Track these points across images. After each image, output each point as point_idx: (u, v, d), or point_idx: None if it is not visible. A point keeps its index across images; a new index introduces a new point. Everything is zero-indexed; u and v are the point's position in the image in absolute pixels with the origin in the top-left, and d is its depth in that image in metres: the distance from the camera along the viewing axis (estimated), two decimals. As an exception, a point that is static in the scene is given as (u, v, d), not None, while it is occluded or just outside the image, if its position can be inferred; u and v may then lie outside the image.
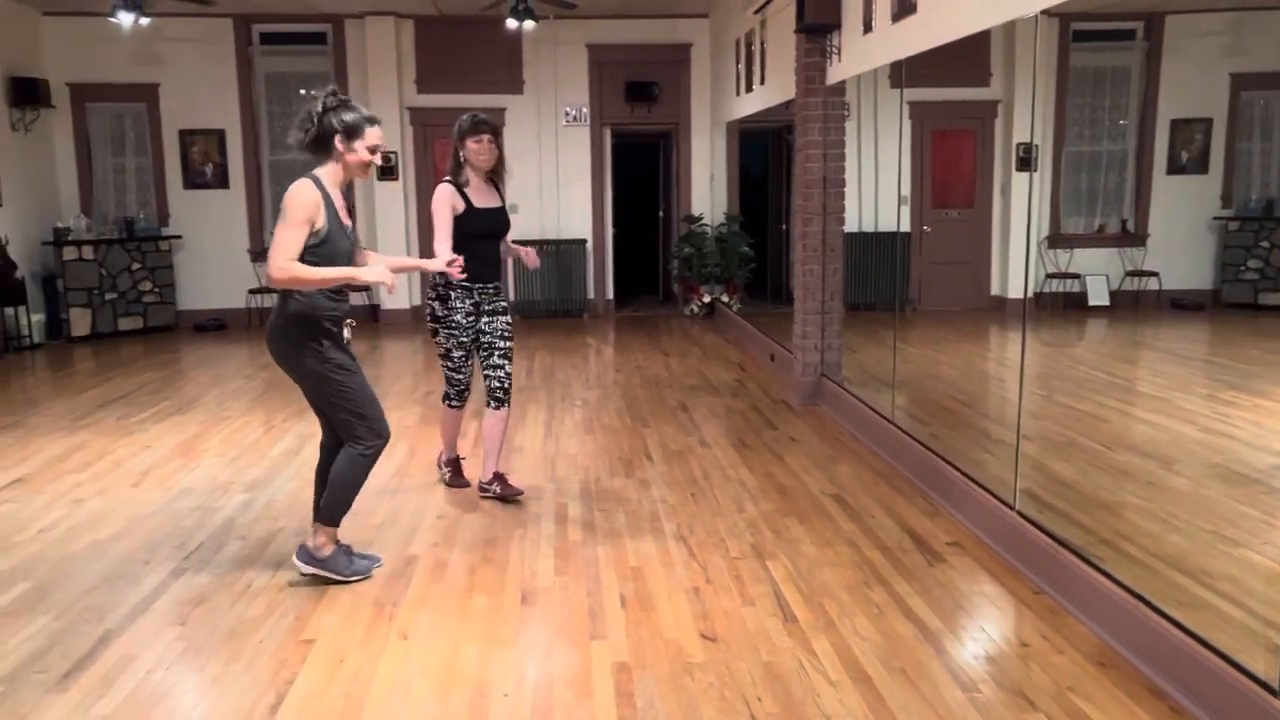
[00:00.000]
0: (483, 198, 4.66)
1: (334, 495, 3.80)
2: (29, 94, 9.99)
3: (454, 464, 5.08)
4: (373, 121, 3.70)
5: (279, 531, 4.41)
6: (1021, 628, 3.39)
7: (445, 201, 4.54)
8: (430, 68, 11.11)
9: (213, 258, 11.11)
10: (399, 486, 5.06)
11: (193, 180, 11.04)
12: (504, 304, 4.77)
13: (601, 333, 10.45)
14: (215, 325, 10.97)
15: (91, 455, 5.70)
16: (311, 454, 5.53)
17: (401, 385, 7.59)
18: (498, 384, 4.72)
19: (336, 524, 3.82)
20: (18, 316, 9.52)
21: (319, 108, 3.66)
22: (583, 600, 3.64)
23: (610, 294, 11.88)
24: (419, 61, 11.11)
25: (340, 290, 3.71)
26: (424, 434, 6.05)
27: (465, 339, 4.67)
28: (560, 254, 11.44)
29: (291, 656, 3.23)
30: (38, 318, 9.99)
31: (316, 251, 3.54)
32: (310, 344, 3.62)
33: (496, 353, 4.71)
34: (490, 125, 4.62)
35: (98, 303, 10.23)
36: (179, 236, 10.99)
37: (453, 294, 4.61)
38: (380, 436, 3.80)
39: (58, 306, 10.18)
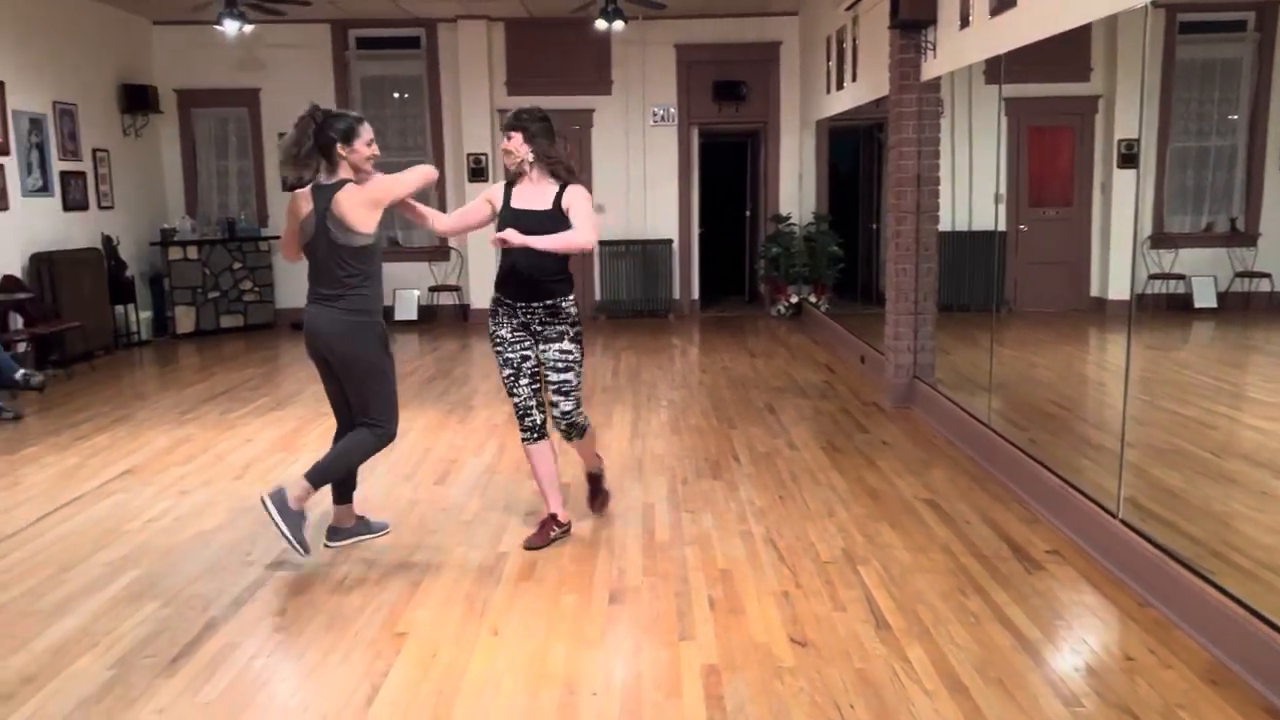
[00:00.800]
0: (527, 198, 4.10)
1: (335, 464, 4.03)
2: (139, 100, 10.41)
3: (593, 481, 4.61)
4: (361, 120, 3.96)
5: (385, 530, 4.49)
6: (1126, 641, 3.27)
7: (486, 193, 4.23)
8: (520, 69, 11.24)
9: (309, 258, 11.39)
10: (488, 483, 5.12)
11: (291, 182, 11.34)
12: (561, 329, 4.12)
13: (687, 333, 10.44)
14: (311, 323, 11.24)
15: (196, 448, 5.90)
16: (405, 452, 5.65)
17: (490, 384, 7.69)
18: (556, 418, 4.23)
19: (317, 488, 3.97)
20: (127, 314, 9.92)
21: (312, 125, 3.88)
22: (671, 601, 3.64)
23: (696, 294, 11.86)
24: (509, 63, 11.24)
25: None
26: (511, 432, 6.09)
27: (512, 355, 4.16)
28: (646, 254, 11.46)
29: (386, 649, 3.29)
30: (146, 315, 10.41)
31: (372, 249, 3.91)
32: (380, 335, 3.98)
33: (550, 386, 4.20)
34: (519, 122, 4.04)
35: (201, 301, 10.61)
36: (278, 237, 11.28)
37: (499, 309, 4.19)
38: (395, 427, 4.08)
39: (164, 304, 10.59)
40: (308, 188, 3.97)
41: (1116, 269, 6.80)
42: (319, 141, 3.86)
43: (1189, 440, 5.31)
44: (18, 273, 8.38)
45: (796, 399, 7.01)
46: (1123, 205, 6.95)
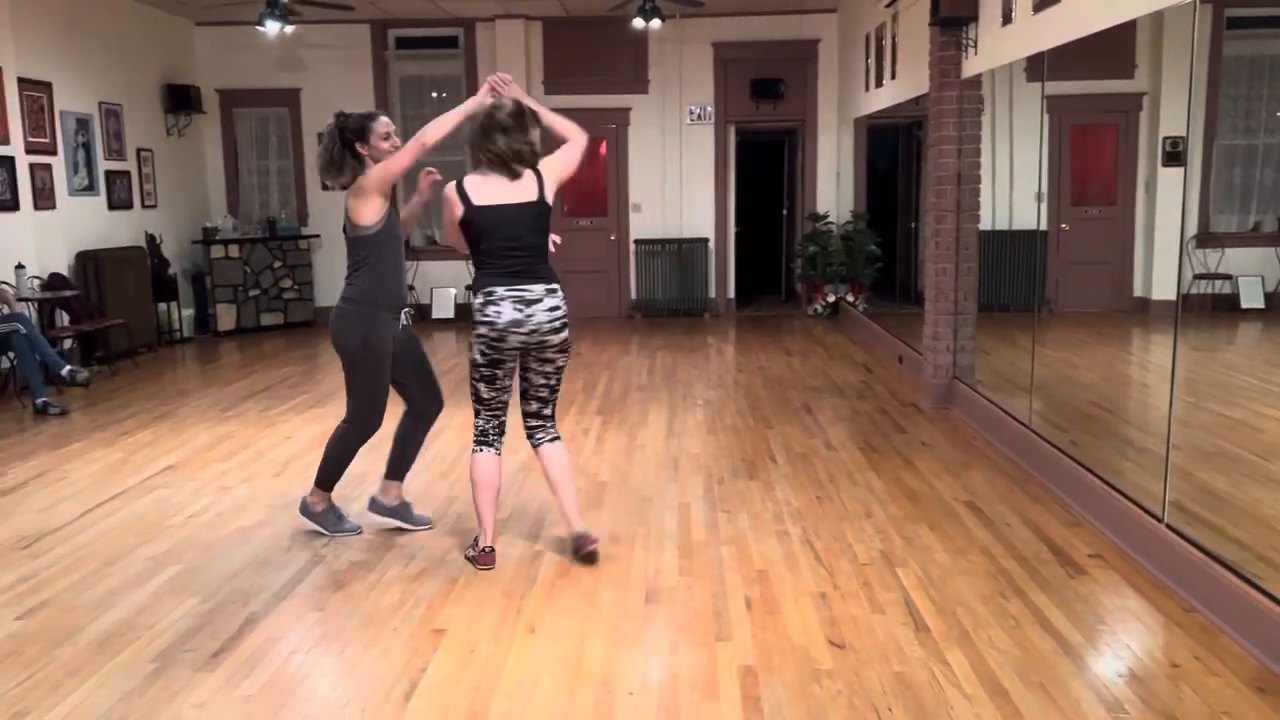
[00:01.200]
0: (495, 191, 3.76)
1: (325, 463, 4.28)
2: (182, 100, 10.56)
3: (484, 556, 4.00)
4: (374, 116, 4.06)
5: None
6: (1171, 646, 3.22)
7: (448, 198, 3.82)
8: (557, 69, 11.27)
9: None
10: (524, 482, 5.13)
11: (333, 186, 11.44)
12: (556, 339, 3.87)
13: (723, 332, 10.41)
14: (350, 321, 11.35)
15: (237, 445, 5.97)
16: (441, 449, 5.68)
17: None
18: (543, 421, 4.07)
19: (323, 488, 4.31)
20: (170, 312, 10.06)
21: (334, 130, 4.05)
22: (707, 601, 3.63)
23: (732, 293, 11.83)
24: (546, 63, 11.28)
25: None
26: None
27: (505, 361, 3.90)
28: (682, 253, 11.44)
29: (424, 645, 3.31)
30: (188, 313, 10.55)
31: (367, 240, 4.05)
32: (363, 329, 4.15)
33: (545, 388, 4.03)
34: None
35: (242, 299, 10.74)
36: (317, 236, 11.43)
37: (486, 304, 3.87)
38: (369, 420, 4.23)
39: (206, 302, 10.73)
40: None
41: (1161, 269, 6.69)
42: (344, 145, 4.02)
43: (1235, 443, 5.21)
44: (64, 271, 8.53)
45: (834, 399, 6.97)
46: (1168, 204, 6.83)
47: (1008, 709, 2.83)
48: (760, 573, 3.87)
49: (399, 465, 4.37)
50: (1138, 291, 7.23)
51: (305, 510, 4.37)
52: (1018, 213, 6.63)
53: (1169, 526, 3.76)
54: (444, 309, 11.28)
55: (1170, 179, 6.80)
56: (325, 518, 4.35)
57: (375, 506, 4.41)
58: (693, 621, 3.46)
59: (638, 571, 3.91)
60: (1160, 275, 6.71)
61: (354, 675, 3.13)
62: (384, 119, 4.07)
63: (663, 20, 9.35)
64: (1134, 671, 3.07)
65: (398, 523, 4.39)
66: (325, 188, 4.52)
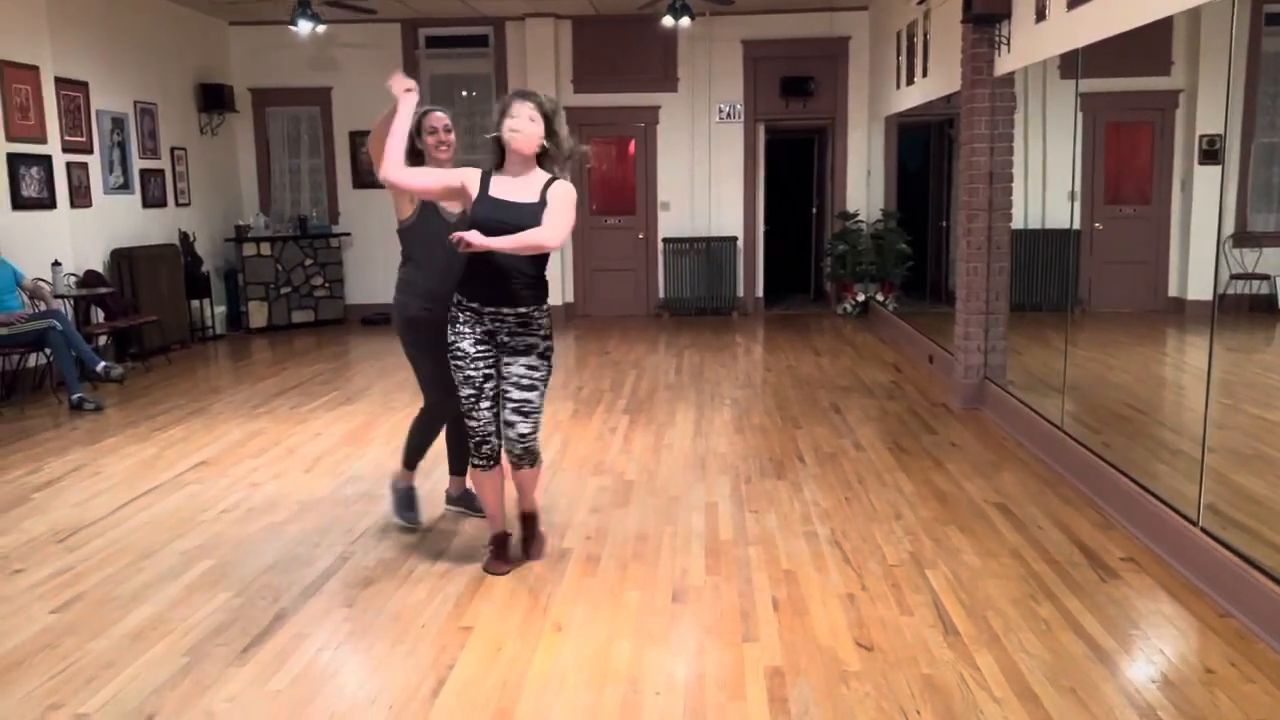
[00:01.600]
0: (510, 189, 3.64)
1: (407, 445, 4.41)
2: (216, 99, 10.66)
3: (498, 541, 3.97)
4: (425, 111, 4.18)
5: (440, 519, 4.55)
6: (1205, 652, 3.17)
7: (461, 172, 3.74)
8: (586, 67, 11.28)
9: (380, 255, 11.57)
10: (551, 480, 5.14)
11: (361, 180, 11.53)
12: (531, 341, 3.72)
13: (751, 331, 10.38)
14: (381, 319, 11.41)
15: (268, 441, 6.03)
16: (470, 445, 5.70)
17: (555, 380, 7.72)
18: (511, 440, 3.80)
19: (406, 468, 4.43)
20: (203, 309, 10.18)
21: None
22: (734, 601, 3.61)
23: (760, 292, 11.79)
24: (576, 61, 11.29)
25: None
26: (575, 428, 6.15)
27: (474, 374, 3.71)
28: (710, 252, 11.42)
29: (451, 642, 3.32)
30: (220, 310, 10.66)
31: (405, 233, 4.22)
32: (404, 317, 4.26)
33: (509, 404, 3.75)
34: (536, 99, 3.69)
35: (274, 296, 10.83)
36: (348, 234, 11.51)
37: (462, 315, 3.72)
38: (433, 401, 4.30)
39: (238, 300, 10.83)
40: None
41: (1196, 268, 6.59)
42: (412, 138, 4.09)
43: (1273, 445, 5.12)
44: (99, 268, 8.64)
45: (863, 399, 6.93)
46: (1204, 203, 6.73)
47: (1038, 714, 2.80)
48: (788, 573, 3.86)
49: (454, 461, 4.56)
50: (1172, 291, 7.13)
51: (391, 484, 4.54)
52: (1050, 211, 6.56)
53: (1203, 530, 3.71)
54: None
55: (1207, 177, 6.69)
56: (397, 498, 4.48)
57: (447, 500, 4.67)
58: (720, 621, 3.45)
59: (664, 571, 3.91)
60: (1196, 275, 6.61)
61: (382, 672, 3.15)
62: (435, 114, 4.15)
63: (692, 18, 9.33)
64: (1167, 677, 3.02)
65: (465, 513, 4.56)
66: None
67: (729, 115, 11.39)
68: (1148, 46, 6.31)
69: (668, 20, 9.25)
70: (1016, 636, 3.27)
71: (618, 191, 11.54)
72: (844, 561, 3.96)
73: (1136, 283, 7.46)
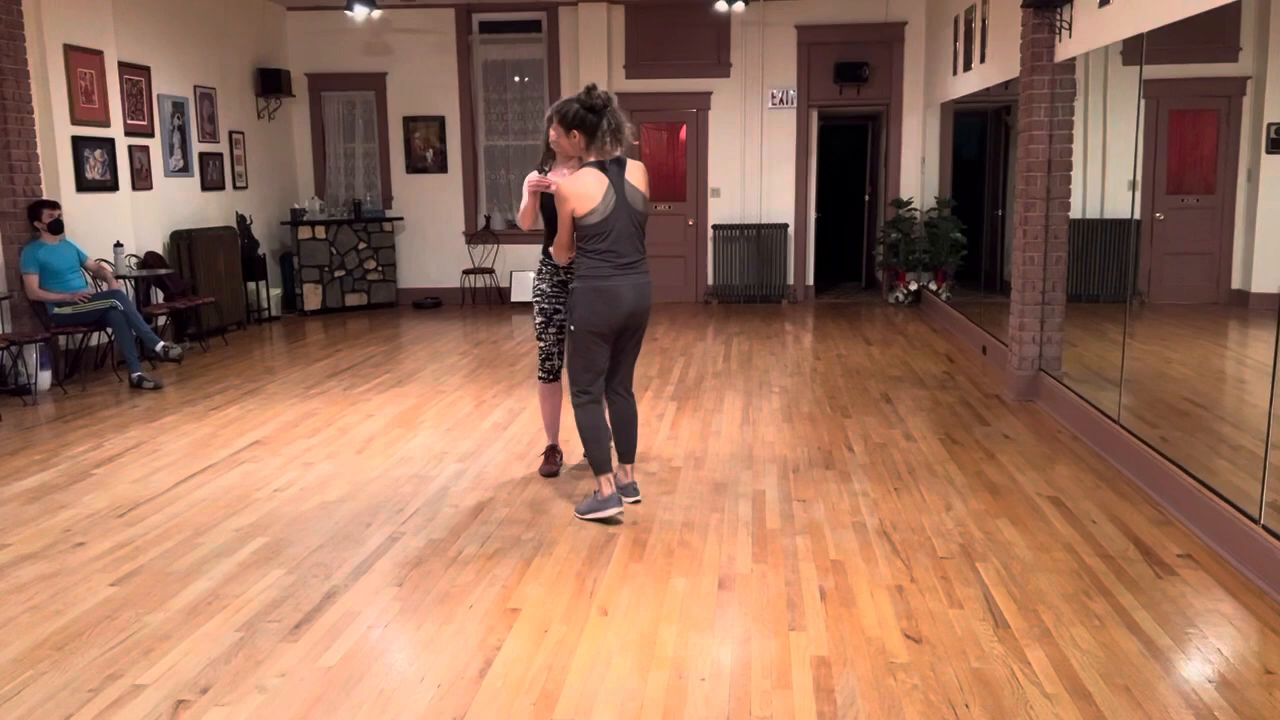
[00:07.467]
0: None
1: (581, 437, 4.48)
2: (273, 84, 10.80)
3: (549, 452, 5.08)
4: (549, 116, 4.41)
5: (489, 501, 4.59)
6: (1266, 652, 3.10)
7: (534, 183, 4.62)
8: (639, 52, 11.24)
9: (431, 239, 11.71)
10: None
11: (414, 165, 11.64)
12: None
13: (801, 319, 10.31)
14: (432, 303, 11.54)
15: (321, 422, 6.11)
16: (519, 431, 5.74)
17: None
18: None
19: (596, 470, 4.39)
20: (259, 290, 10.34)
21: None
22: (781, 590, 3.60)
23: (811, 280, 11.70)
24: (628, 46, 11.26)
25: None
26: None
27: (547, 306, 4.74)
28: (761, 238, 11.36)
29: (498, 624, 3.35)
30: (276, 292, 10.83)
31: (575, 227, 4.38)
32: (575, 302, 4.40)
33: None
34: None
35: (328, 279, 10.97)
36: (401, 218, 11.62)
37: (544, 268, 4.75)
38: (578, 387, 4.43)
39: (293, 282, 10.99)
40: None
41: (1262, 260, 6.42)
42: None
43: (1339, 443, 4.98)
44: (159, 249, 8.81)
45: (914, 389, 6.85)
46: (1271, 193, 6.55)
47: (1090, 711, 2.76)
48: (835, 563, 3.84)
49: (618, 451, 4.59)
50: (1236, 284, 6.95)
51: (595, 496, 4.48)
52: (1110, 201, 6.42)
53: (1265, 528, 3.62)
54: (524, 293, 11.35)
55: (1274, 166, 6.51)
56: (593, 498, 4.43)
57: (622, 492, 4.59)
58: (766, 610, 3.44)
59: (710, 558, 3.91)
60: (1262, 267, 6.44)
61: (430, 651, 3.18)
62: (550, 113, 4.32)
63: (746, 3, 9.28)
64: (1225, 677, 2.96)
65: (628, 498, 4.56)
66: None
67: (782, 101, 11.30)
68: (1215, 32, 6.14)
69: (721, 5, 9.22)
70: (1069, 632, 3.22)
71: (668, 178, 11.51)
72: (893, 553, 3.93)
73: (1198, 274, 7.28)
